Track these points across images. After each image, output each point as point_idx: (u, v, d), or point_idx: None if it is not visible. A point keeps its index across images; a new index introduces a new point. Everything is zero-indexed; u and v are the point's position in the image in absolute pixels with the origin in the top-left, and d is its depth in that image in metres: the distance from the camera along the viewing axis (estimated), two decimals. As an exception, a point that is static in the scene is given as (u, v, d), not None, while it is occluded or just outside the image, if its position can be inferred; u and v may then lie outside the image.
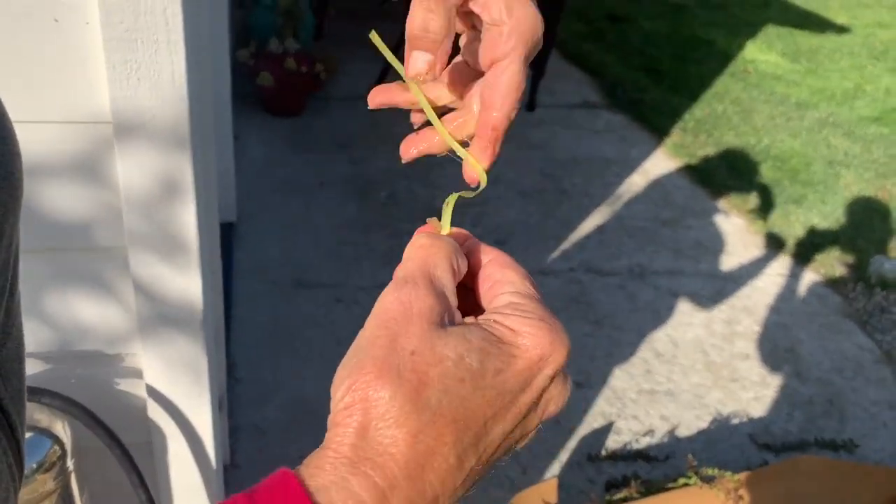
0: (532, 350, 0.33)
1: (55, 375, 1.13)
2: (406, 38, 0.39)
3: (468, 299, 0.39)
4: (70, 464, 1.10)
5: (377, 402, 0.31)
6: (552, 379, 0.34)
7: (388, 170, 3.33)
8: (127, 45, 0.94)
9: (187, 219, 1.02)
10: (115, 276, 1.09)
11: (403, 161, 0.43)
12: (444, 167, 3.64)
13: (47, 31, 0.95)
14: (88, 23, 0.95)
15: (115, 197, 1.03)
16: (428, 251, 0.36)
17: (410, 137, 0.43)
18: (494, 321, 0.34)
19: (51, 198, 1.02)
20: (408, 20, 0.39)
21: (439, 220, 0.41)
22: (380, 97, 0.44)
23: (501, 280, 0.37)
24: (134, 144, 0.99)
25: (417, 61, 0.39)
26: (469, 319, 0.35)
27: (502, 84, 0.39)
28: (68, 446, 1.09)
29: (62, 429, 1.09)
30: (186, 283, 1.07)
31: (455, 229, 0.40)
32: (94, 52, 0.96)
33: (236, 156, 2.80)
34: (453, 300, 0.35)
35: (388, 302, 0.34)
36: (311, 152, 3.41)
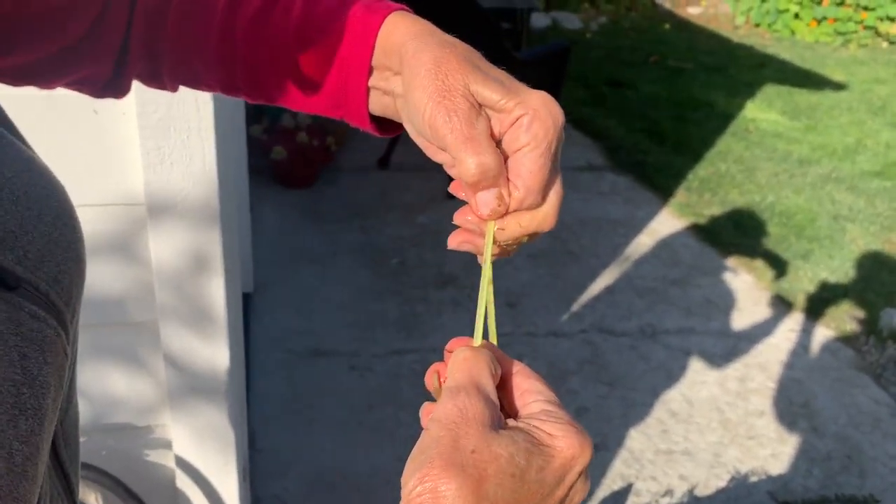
0: (566, 451, 0.39)
1: (87, 448, 1.17)
2: (463, 184, 0.44)
3: (500, 399, 0.45)
4: (101, 535, 1.12)
5: (445, 493, 0.36)
6: (580, 475, 0.40)
7: (398, 237, 3.40)
8: (160, 132, 1.02)
9: (216, 292, 1.07)
10: (146, 350, 1.14)
11: (449, 247, 0.48)
12: (454, 233, 3.69)
13: (87, 121, 1.02)
14: (125, 113, 1.02)
15: (148, 273, 1.08)
16: (472, 363, 0.42)
17: (459, 233, 0.47)
18: (534, 426, 0.40)
19: (88, 277, 1.08)
20: (458, 168, 0.43)
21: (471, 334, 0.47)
22: (460, 238, 0.48)
23: (530, 389, 0.43)
24: (166, 224, 1.05)
25: (489, 200, 0.45)
26: (511, 422, 0.41)
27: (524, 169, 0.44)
28: (100, 517, 1.12)
29: (95, 501, 1.12)
30: (213, 353, 1.12)
31: (484, 341, 0.45)
32: (129, 139, 1.04)
33: (252, 227, 2.88)
34: (496, 403, 0.42)
35: (448, 408, 0.39)
36: (323, 222, 3.49)
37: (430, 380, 0.46)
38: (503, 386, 0.44)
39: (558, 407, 0.41)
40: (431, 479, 0.36)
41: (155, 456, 1.23)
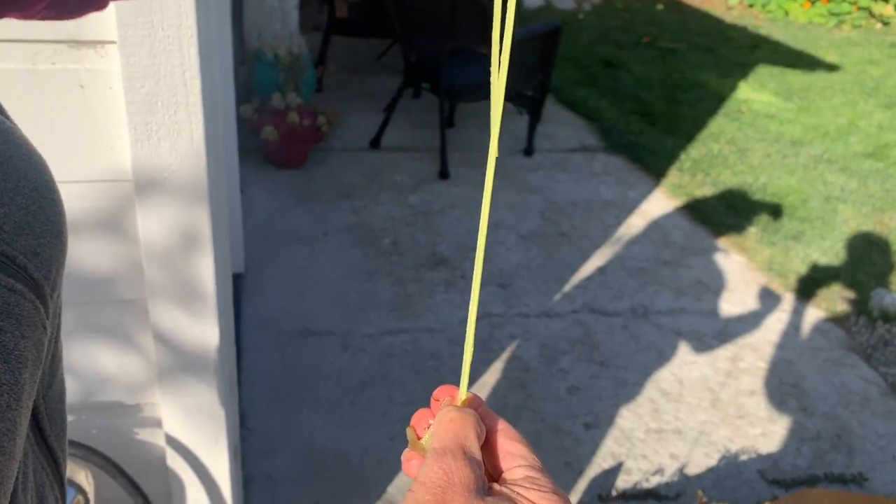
0: None
1: (77, 426, 1.16)
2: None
3: (483, 459, 0.45)
4: (91, 513, 1.12)
5: None
6: None
7: (389, 217, 3.39)
8: (148, 107, 1.00)
9: (205, 269, 1.06)
10: (136, 328, 1.13)
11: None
12: (445, 214, 3.69)
13: (73, 96, 1.00)
14: (111, 87, 1.01)
15: (136, 251, 1.07)
16: (458, 424, 0.42)
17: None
18: (518, 493, 0.40)
19: (75, 254, 1.07)
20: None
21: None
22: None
23: (514, 453, 0.43)
24: (154, 200, 1.04)
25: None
26: (495, 487, 0.41)
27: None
28: (91, 496, 1.11)
29: (85, 479, 1.11)
30: (203, 331, 1.11)
31: (469, 395, 0.45)
32: (116, 114, 1.02)
33: (243, 208, 2.86)
34: (482, 466, 0.42)
35: (433, 471, 0.39)
36: (314, 202, 3.48)
37: (416, 427, 0.46)
38: (487, 443, 0.44)
39: (542, 473, 0.42)
40: None
41: (145, 434, 1.22)
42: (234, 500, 1.36)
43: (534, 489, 0.40)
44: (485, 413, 0.45)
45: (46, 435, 0.47)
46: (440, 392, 0.46)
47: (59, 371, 0.52)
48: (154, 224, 1.04)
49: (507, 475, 0.42)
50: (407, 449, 0.45)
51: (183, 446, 1.22)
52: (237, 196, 2.74)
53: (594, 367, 2.53)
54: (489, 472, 0.43)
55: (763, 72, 5.92)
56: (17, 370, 0.39)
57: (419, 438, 0.45)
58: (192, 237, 1.05)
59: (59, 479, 0.49)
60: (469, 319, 0.47)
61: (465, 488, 0.38)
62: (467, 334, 0.47)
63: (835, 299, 3.02)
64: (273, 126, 3.57)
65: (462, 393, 0.45)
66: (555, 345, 2.63)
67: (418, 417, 0.46)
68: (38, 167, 0.47)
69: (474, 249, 3.24)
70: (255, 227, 3.18)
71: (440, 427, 0.42)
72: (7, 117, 0.49)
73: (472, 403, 0.45)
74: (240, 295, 2.71)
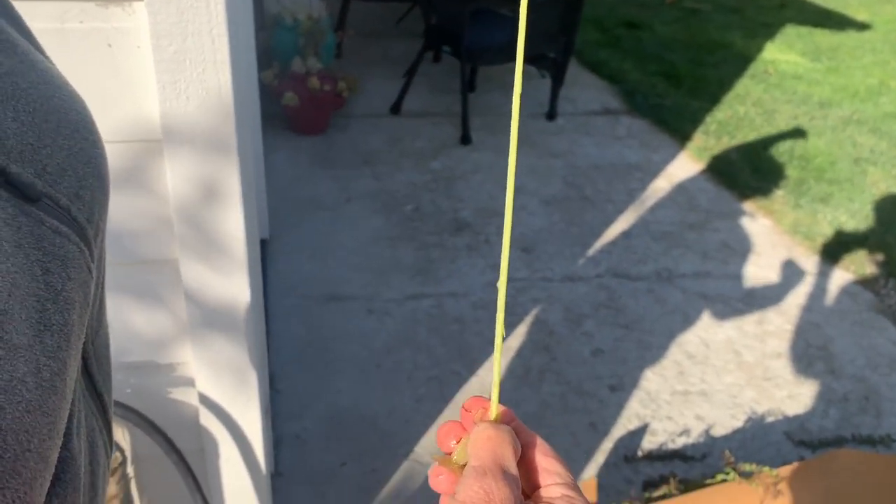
0: None
1: (112, 386, 1.18)
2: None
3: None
4: (130, 470, 1.14)
5: None
6: None
7: (411, 183, 3.38)
8: (176, 65, 0.99)
9: (235, 227, 1.06)
10: (167, 288, 1.14)
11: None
12: (467, 179, 3.67)
13: (101, 56, 1.00)
14: (139, 46, 1.00)
15: (166, 210, 1.07)
16: (496, 443, 0.42)
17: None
18: None
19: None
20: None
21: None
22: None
23: (549, 469, 0.43)
24: (183, 159, 1.04)
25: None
26: None
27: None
28: (128, 453, 1.13)
29: (122, 436, 1.13)
30: (234, 289, 1.12)
31: (502, 408, 0.45)
32: (144, 73, 1.02)
33: (265, 175, 2.86)
34: (519, 483, 0.42)
35: (474, 491, 0.39)
36: (335, 169, 3.47)
37: (444, 440, 0.45)
38: (521, 458, 0.44)
39: (577, 492, 0.42)
40: None
41: (178, 393, 1.24)
42: (265, 458, 1.38)
43: None
44: (518, 427, 0.45)
45: (95, 381, 0.48)
46: (471, 403, 0.46)
47: (105, 318, 0.52)
48: (184, 183, 1.05)
49: (543, 492, 0.42)
50: (435, 464, 0.44)
51: (216, 405, 1.24)
52: (261, 162, 2.74)
53: (619, 331, 2.52)
54: (523, 487, 0.43)
55: (790, 32, 5.78)
56: (66, 311, 0.39)
57: (449, 454, 0.45)
58: (222, 195, 1.05)
59: (107, 425, 0.50)
60: (497, 330, 0.46)
61: None
62: (495, 348, 0.46)
63: (863, 262, 2.98)
64: (294, 91, 3.56)
65: (493, 406, 0.45)
66: (579, 308, 2.62)
67: (445, 432, 0.45)
68: (78, 108, 0.46)
69: (497, 214, 3.23)
70: (278, 193, 3.19)
71: (477, 446, 0.42)
72: (46, 58, 0.48)
73: (506, 418, 0.45)
74: (265, 261, 2.72)
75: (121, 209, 1.08)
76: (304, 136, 3.72)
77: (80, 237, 0.42)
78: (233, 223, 1.06)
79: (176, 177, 1.04)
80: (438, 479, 0.44)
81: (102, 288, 0.50)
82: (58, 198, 0.41)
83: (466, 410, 0.45)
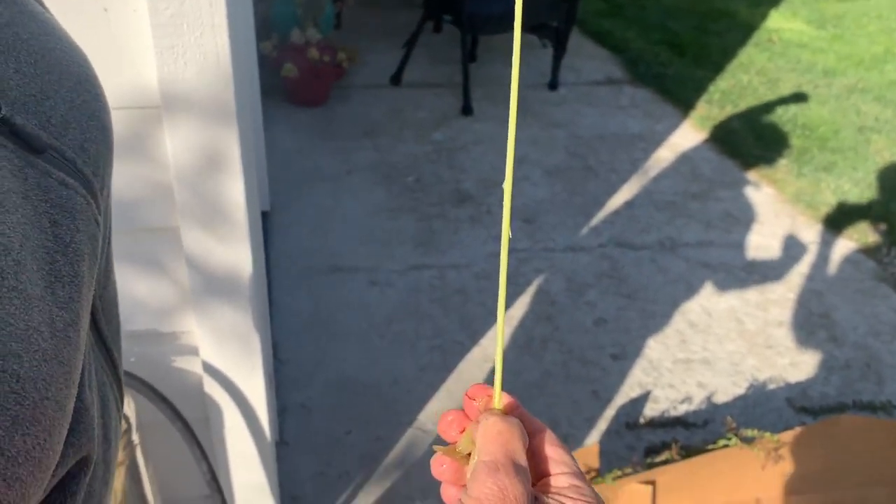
0: None
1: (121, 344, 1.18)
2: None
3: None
4: (135, 437, 1.15)
5: None
6: None
7: (412, 155, 3.36)
8: (173, 29, 0.98)
9: (236, 193, 1.06)
10: (169, 256, 1.13)
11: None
12: (468, 150, 3.65)
13: (97, 19, 0.99)
14: (136, 10, 0.99)
15: (167, 176, 1.07)
16: (507, 437, 0.42)
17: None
18: None
19: (106, 181, 1.07)
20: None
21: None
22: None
23: (557, 459, 0.43)
24: (182, 125, 1.03)
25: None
26: (543, 499, 0.42)
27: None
28: (133, 421, 1.14)
29: (127, 404, 1.14)
30: (236, 256, 1.11)
31: (507, 398, 0.45)
32: (141, 38, 1.00)
33: (265, 147, 2.85)
34: (529, 477, 0.42)
35: (488, 487, 0.40)
36: (336, 141, 3.46)
37: (447, 430, 0.45)
38: (529, 447, 0.44)
39: (584, 482, 0.42)
40: None
41: (182, 362, 1.24)
42: (270, 426, 1.39)
43: (581, 500, 0.41)
44: (523, 416, 0.45)
45: (104, 336, 0.48)
46: (474, 391, 0.46)
47: (112, 274, 0.52)
48: (184, 150, 1.04)
49: (552, 481, 0.42)
50: (438, 453, 0.44)
51: (219, 373, 1.24)
52: (261, 134, 2.73)
53: (621, 300, 2.52)
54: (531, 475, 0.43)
55: (795, -1, 5.71)
56: (76, 263, 0.39)
57: (452, 443, 0.44)
58: (222, 162, 1.04)
59: (117, 380, 0.50)
60: (498, 318, 0.45)
61: None
62: (497, 336, 0.45)
63: (866, 230, 2.97)
64: (293, 63, 3.53)
65: (497, 395, 0.45)
66: (581, 278, 2.62)
67: (448, 422, 0.45)
68: (80, 62, 0.46)
69: (499, 185, 3.21)
70: (278, 165, 3.18)
71: (488, 440, 0.42)
72: (45, 9, 0.47)
73: (512, 408, 0.45)
74: (267, 233, 2.72)
75: (121, 177, 1.07)
76: (304, 107, 3.70)
77: (87, 189, 0.42)
78: (234, 190, 1.05)
79: (176, 143, 1.03)
80: (441, 469, 0.44)
81: (109, 243, 0.50)
82: (63, 150, 0.41)
83: (469, 398, 0.45)
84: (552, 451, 0.43)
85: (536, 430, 0.44)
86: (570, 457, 0.44)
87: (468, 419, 0.45)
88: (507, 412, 0.44)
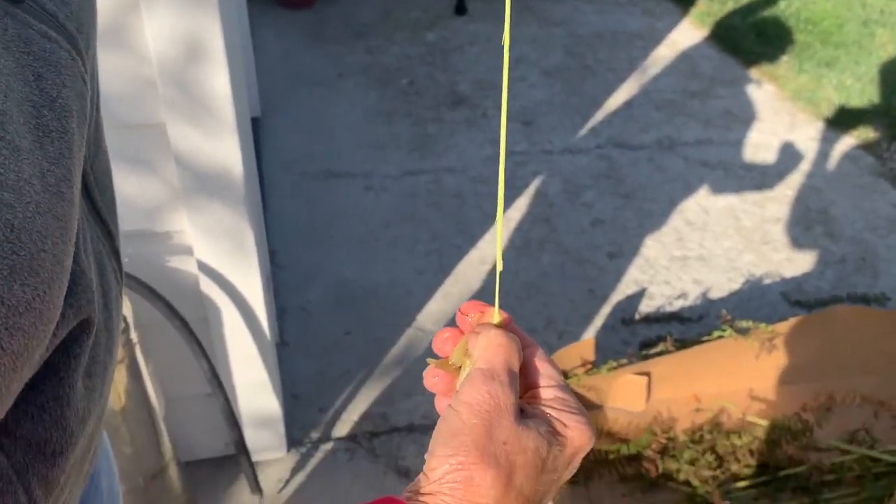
0: (577, 441, 0.43)
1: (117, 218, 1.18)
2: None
3: None
4: (133, 335, 1.15)
5: (480, 483, 0.39)
6: (581, 458, 0.45)
7: (405, 57, 3.28)
8: None
9: (221, 85, 1.02)
10: (156, 153, 1.11)
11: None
12: (463, 51, 3.55)
13: None
14: None
15: (150, 71, 1.03)
16: (507, 350, 0.44)
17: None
18: (551, 416, 0.43)
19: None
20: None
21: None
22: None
23: (545, 373, 0.45)
24: (162, 14, 0.99)
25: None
26: (528, 409, 0.44)
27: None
28: (130, 319, 1.14)
29: (123, 302, 1.14)
30: (225, 151, 1.09)
31: (504, 314, 0.47)
32: (112, -81, 0.95)
33: (253, 51, 2.77)
34: (518, 389, 0.44)
35: (481, 394, 0.41)
36: (327, 44, 3.36)
37: (442, 346, 0.46)
38: (526, 366, 0.46)
39: (570, 394, 0.45)
40: (467, 468, 0.39)
41: (177, 262, 1.24)
42: (270, 327, 1.40)
43: (565, 411, 0.43)
44: (516, 332, 0.47)
45: (98, 207, 0.48)
46: (468, 307, 0.47)
47: (104, 143, 0.51)
48: (165, 40, 1.00)
49: (540, 392, 0.45)
50: (431, 365, 0.46)
51: (215, 272, 1.24)
52: (248, 37, 2.64)
53: (618, 200, 2.51)
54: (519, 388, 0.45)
55: None
56: (64, 118, 0.38)
57: (445, 357, 0.46)
58: (205, 53, 1.00)
59: (114, 251, 0.50)
60: (497, 234, 0.47)
61: (510, 413, 0.41)
62: (497, 254, 0.47)
63: (866, 126, 2.92)
64: (279, -38, 3.38)
65: (495, 312, 0.47)
66: (578, 180, 2.60)
67: (444, 339, 0.47)
68: None
69: (495, 87, 3.14)
70: (268, 70, 3.10)
71: (490, 351, 0.43)
72: None
73: (509, 325, 0.47)
74: (258, 139, 2.68)
75: (103, 72, 1.04)
76: (292, 10, 3.58)
77: (72, 45, 0.41)
78: (218, 82, 1.02)
79: (156, 34, 0.99)
80: (434, 381, 0.46)
81: (98, 109, 0.49)
82: (43, 2, 0.40)
83: (463, 314, 0.47)
84: (541, 365, 0.45)
85: (526, 345, 0.46)
86: (556, 371, 0.46)
87: (461, 335, 0.47)
88: (505, 327, 0.46)
